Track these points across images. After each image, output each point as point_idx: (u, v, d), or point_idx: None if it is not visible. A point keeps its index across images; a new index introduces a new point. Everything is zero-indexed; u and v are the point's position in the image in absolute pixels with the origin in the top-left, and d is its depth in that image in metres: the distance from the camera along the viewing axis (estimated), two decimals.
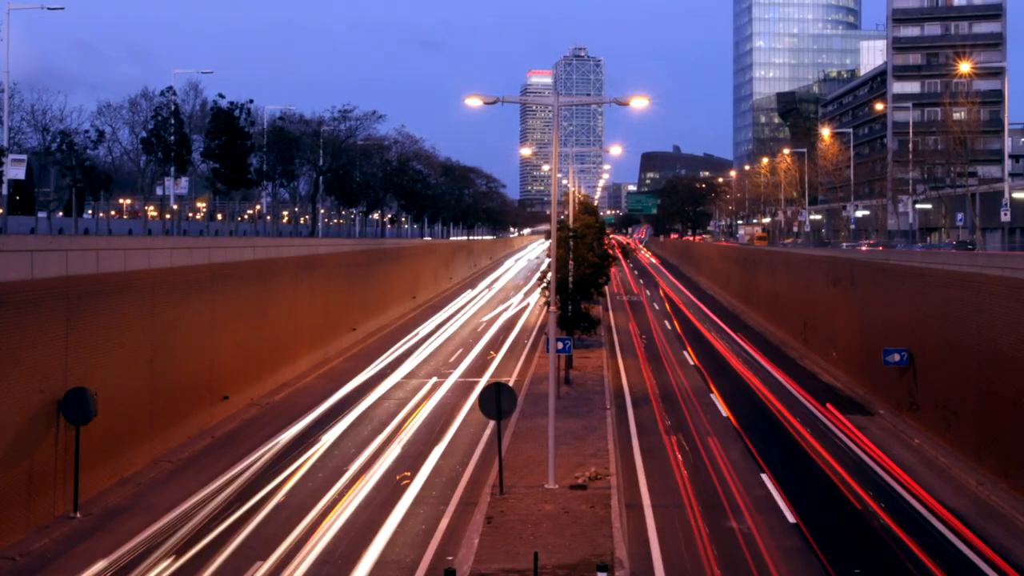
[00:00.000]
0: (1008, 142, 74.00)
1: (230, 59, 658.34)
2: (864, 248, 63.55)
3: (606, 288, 74.05)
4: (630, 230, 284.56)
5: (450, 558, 21.30)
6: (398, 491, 26.83)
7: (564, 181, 74.59)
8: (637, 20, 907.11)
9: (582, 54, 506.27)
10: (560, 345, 35.17)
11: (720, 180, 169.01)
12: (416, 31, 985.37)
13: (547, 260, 43.04)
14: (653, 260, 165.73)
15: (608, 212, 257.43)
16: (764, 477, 28.63)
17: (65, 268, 25.05)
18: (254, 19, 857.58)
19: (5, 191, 45.83)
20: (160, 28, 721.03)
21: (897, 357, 36.01)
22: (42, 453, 23.64)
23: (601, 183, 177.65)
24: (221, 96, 56.10)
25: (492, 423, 27.78)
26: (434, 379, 45.59)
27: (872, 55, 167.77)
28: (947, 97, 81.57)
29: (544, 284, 50.61)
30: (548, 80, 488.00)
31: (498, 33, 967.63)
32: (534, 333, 63.31)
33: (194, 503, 25.53)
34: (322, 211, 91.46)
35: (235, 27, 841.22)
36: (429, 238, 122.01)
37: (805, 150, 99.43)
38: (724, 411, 38.73)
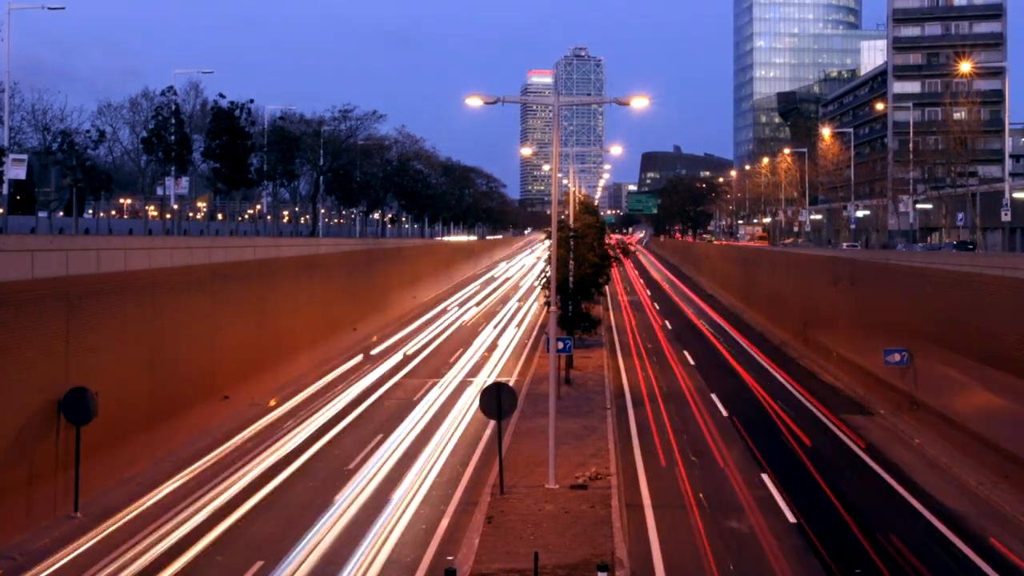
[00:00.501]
0: (1009, 142, 73.98)
1: (202, 53, 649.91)
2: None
3: (607, 288, 74.05)
4: (630, 230, 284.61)
5: (450, 558, 21.30)
6: (398, 491, 26.81)
7: (564, 181, 74.60)
8: (637, 20, 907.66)
9: (582, 54, 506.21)
10: (560, 345, 35.15)
11: (720, 180, 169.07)
12: (413, 31, 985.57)
13: (547, 258, 43.02)
14: (653, 260, 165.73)
15: (608, 212, 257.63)
16: (764, 477, 28.62)
17: (65, 268, 25.05)
18: (219, 16, 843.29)
19: (5, 191, 45.82)
20: (122, 19, 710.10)
21: (897, 357, 36.01)
22: (42, 453, 23.64)
23: (601, 183, 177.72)
24: (222, 96, 56.17)
25: (492, 423, 27.78)
26: (434, 378, 45.59)
27: (872, 55, 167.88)
28: (947, 97, 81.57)
29: (544, 284, 50.62)
30: (548, 80, 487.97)
31: (499, 33, 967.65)
32: (534, 333, 63.32)
33: (194, 502, 25.54)
34: (322, 211, 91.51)
35: (206, 22, 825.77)
36: (441, 238, 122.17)
37: (805, 150, 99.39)
38: (724, 411, 38.72)
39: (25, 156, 50.96)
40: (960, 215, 65.31)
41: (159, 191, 61.84)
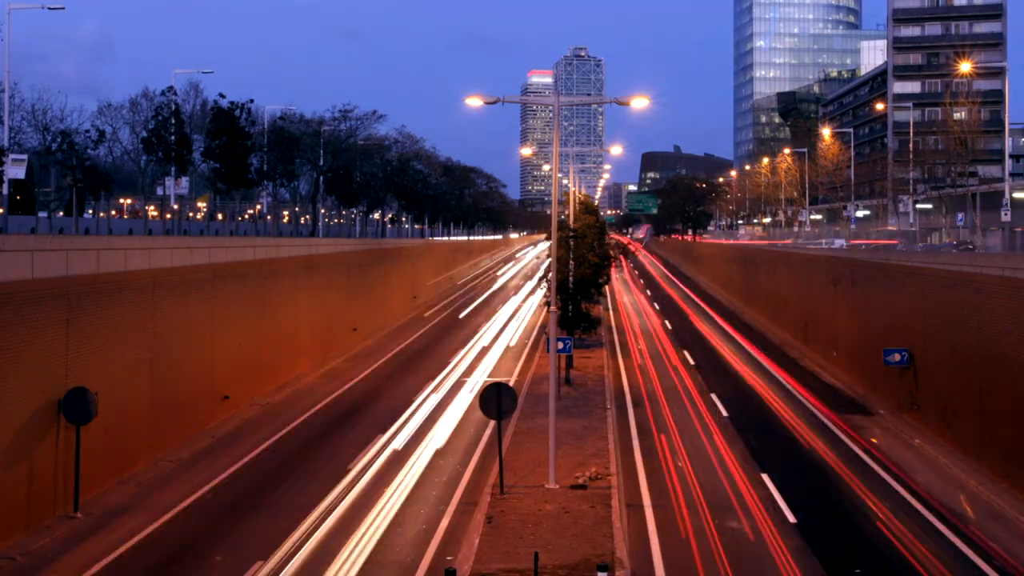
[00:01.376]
0: (1009, 142, 73.90)
1: (178, 49, 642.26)
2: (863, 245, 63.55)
3: (606, 288, 74.03)
4: (630, 230, 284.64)
5: (450, 558, 21.31)
6: (397, 491, 26.82)
7: (564, 181, 74.65)
8: (637, 20, 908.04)
9: (582, 54, 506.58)
10: (560, 345, 35.16)
11: (721, 180, 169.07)
12: (413, 30, 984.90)
13: (548, 259, 43.07)
14: (653, 260, 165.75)
15: (608, 212, 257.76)
16: (764, 477, 28.62)
17: (65, 268, 25.05)
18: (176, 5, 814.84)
19: (5, 191, 45.81)
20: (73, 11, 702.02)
21: (898, 357, 36.01)
22: (42, 453, 23.65)
23: (601, 183, 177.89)
24: (222, 96, 56.08)
25: (492, 423, 27.78)
26: (434, 378, 45.56)
27: (872, 55, 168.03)
28: (947, 97, 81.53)
29: (544, 283, 50.66)
30: (548, 80, 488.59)
31: (497, 32, 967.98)
32: (534, 333, 63.30)
33: (194, 503, 25.54)
34: (322, 211, 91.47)
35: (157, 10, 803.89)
36: (442, 238, 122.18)
37: (805, 150, 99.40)
38: (724, 411, 38.72)
39: (25, 156, 50.95)
40: (960, 215, 65.31)
41: (159, 191, 61.82)
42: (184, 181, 60.91)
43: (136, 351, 28.58)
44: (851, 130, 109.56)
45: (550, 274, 30.78)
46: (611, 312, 78.27)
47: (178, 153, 54.16)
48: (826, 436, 34.55)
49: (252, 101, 59.56)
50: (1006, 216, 51.67)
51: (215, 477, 27.92)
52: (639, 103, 27.67)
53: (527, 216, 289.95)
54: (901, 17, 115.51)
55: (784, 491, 27.05)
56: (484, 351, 55.32)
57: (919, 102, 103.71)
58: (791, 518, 24.79)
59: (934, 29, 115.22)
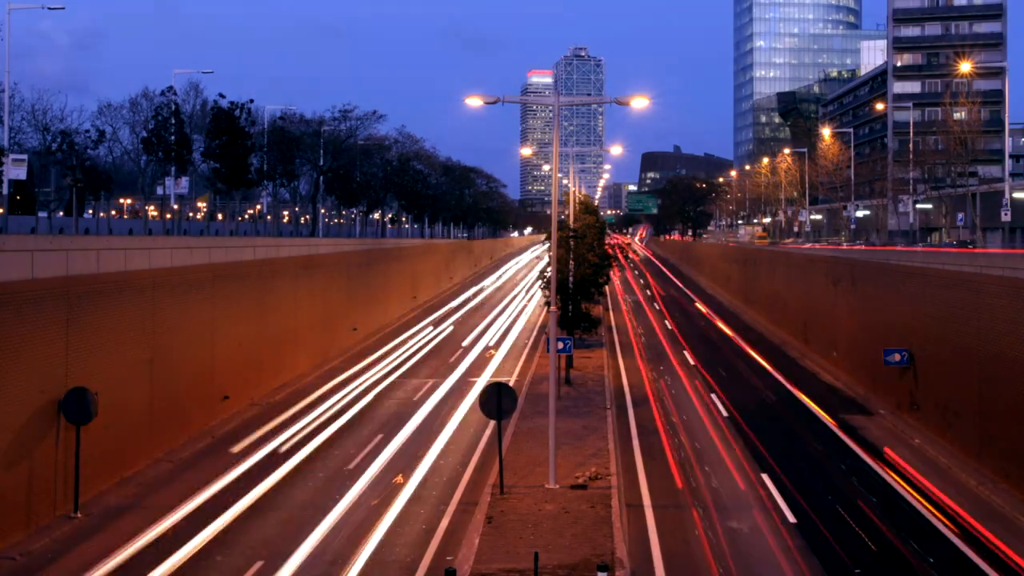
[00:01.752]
0: (1008, 142, 73.86)
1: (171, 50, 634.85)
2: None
3: (606, 288, 74.00)
4: (630, 230, 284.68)
5: (450, 558, 21.31)
6: (397, 491, 26.82)
7: (564, 181, 74.62)
8: (637, 20, 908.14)
9: (582, 54, 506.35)
10: (560, 345, 35.15)
11: (721, 180, 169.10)
12: (412, 30, 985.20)
13: (547, 259, 43.05)
14: (653, 260, 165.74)
15: (608, 212, 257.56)
16: (764, 477, 28.63)
17: (65, 268, 25.05)
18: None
19: (6, 191, 45.83)
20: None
21: (898, 357, 36.01)
22: (42, 453, 23.65)
23: (601, 183, 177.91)
24: (222, 96, 56.13)
25: (492, 423, 27.79)
26: (434, 379, 45.58)
27: (872, 55, 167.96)
28: (947, 97, 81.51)
29: (544, 283, 50.64)
30: (548, 80, 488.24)
31: (498, 32, 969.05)
32: (534, 333, 63.31)
33: (194, 503, 25.53)
34: (322, 211, 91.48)
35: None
36: (447, 239, 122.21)
37: (805, 150, 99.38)
38: (724, 411, 38.72)
39: (25, 156, 50.90)
40: (960, 215, 65.33)
41: (159, 191, 61.85)
42: (184, 181, 60.88)
43: (136, 351, 28.58)
44: (851, 130, 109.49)
45: (547, 272, 30.75)
46: (611, 312, 78.28)
47: (178, 153, 54.20)
48: (826, 436, 34.55)
49: (252, 101, 59.63)
50: (1006, 216, 51.69)
51: (215, 477, 27.90)
52: (639, 103, 27.69)
53: (527, 216, 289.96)
54: (901, 17, 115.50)
55: (784, 491, 27.06)
56: (484, 350, 55.34)
57: (919, 102, 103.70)
58: (791, 518, 24.79)
59: (934, 29, 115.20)
